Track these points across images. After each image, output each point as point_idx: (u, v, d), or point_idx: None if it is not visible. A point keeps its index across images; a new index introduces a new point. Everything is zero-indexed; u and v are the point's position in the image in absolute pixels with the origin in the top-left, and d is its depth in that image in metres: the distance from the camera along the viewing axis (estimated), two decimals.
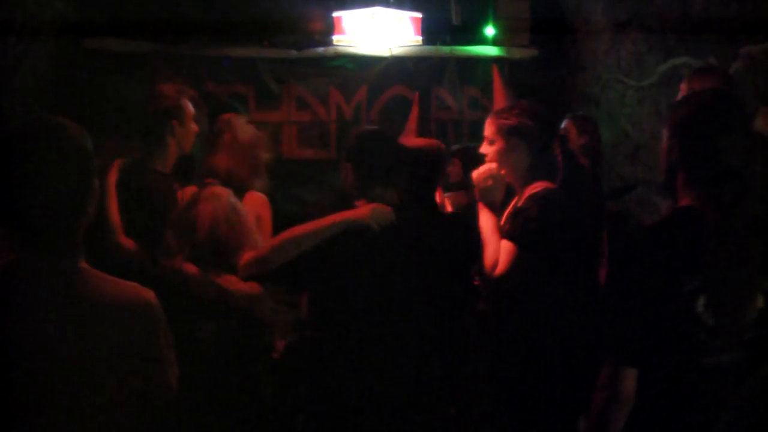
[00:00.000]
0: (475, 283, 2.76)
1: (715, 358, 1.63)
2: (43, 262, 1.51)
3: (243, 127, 3.04)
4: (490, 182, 2.45)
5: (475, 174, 2.48)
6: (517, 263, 2.32)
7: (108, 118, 4.04)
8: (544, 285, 2.38)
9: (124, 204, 2.63)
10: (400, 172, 2.31)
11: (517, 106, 2.51)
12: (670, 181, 1.76)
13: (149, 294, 1.61)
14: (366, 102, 4.84)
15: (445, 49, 4.86)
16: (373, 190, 2.24)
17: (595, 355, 1.88)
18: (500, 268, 2.33)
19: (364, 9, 4.62)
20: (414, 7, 4.79)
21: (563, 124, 3.64)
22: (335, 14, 4.65)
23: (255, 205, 3.01)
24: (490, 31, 4.98)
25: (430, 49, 4.84)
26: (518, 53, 4.93)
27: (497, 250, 2.36)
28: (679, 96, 2.87)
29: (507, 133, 2.45)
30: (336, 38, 4.67)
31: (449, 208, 3.26)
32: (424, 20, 4.77)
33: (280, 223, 3.12)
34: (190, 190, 2.81)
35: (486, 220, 2.45)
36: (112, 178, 2.66)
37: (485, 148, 2.52)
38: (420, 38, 4.78)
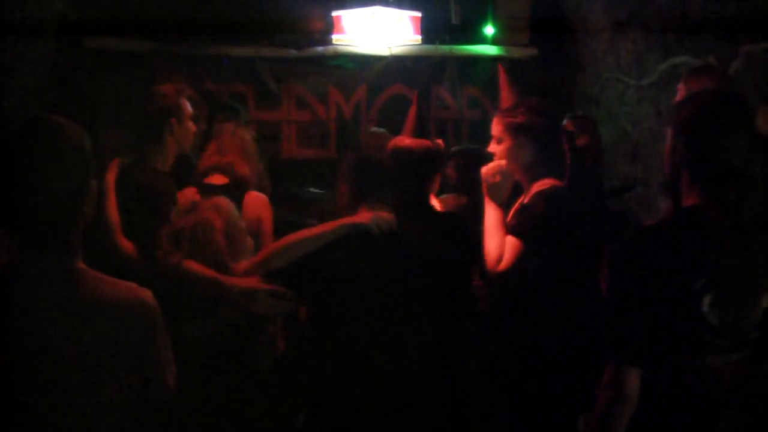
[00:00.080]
0: (476, 283, 2.76)
1: (719, 358, 1.63)
2: (41, 261, 1.51)
3: (233, 133, 3.05)
4: (498, 178, 2.46)
5: (485, 170, 2.49)
6: (521, 259, 2.32)
7: (107, 118, 4.05)
8: (548, 283, 2.38)
9: (123, 203, 2.63)
10: (389, 191, 2.33)
11: (524, 104, 2.52)
12: (673, 180, 1.76)
13: (147, 294, 1.61)
14: (365, 101, 4.84)
15: (445, 49, 4.86)
16: (370, 203, 2.26)
17: (596, 354, 1.88)
18: (504, 264, 2.33)
19: (363, 8, 4.62)
20: (413, 7, 4.78)
21: (563, 124, 3.64)
22: (335, 13, 4.65)
23: (255, 206, 3.01)
24: (489, 30, 4.97)
25: (430, 49, 4.84)
26: (518, 52, 4.92)
27: (501, 245, 2.36)
28: (678, 96, 2.87)
29: (515, 131, 2.46)
30: (335, 37, 4.67)
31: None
32: (423, 19, 4.77)
33: (280, 222, 3.14)
34: (190, 191, 2.81)
35: (492, 216, 2.45)
36: (111, 176, 2.66)
37: (493, 147, 2.53)
38: (419, 37, 4.77)
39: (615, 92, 4.40)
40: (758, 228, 1.65)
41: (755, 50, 3.18)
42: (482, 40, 4.99)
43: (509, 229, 2.39)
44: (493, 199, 2.46)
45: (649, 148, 4.08)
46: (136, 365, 1.58)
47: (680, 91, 2.88)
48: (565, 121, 3.68)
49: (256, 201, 3.04)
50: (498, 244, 2.38)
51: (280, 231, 2.94)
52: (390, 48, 4.75)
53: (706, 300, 1.61)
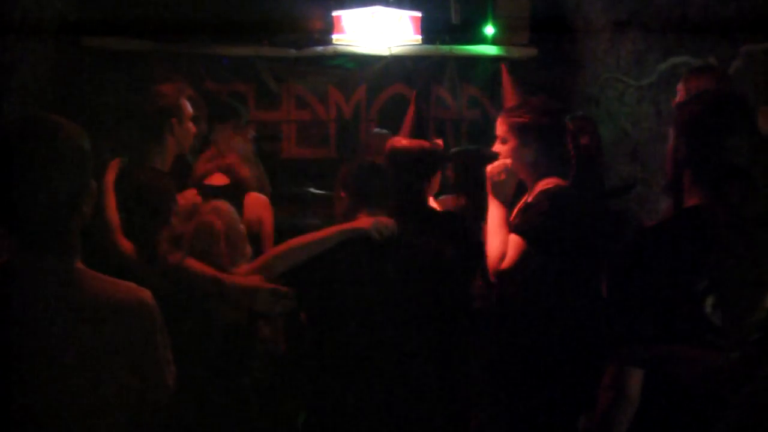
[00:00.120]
0: (478, 284, 2.76)
1: (722, 358, 1.62)
2: (40, 261, 1.51)
3: (228, 139, 3.06)
4: (503, 176, 2.45)
5: (490, 168, 2.49)
6: (524, 258, 2.31)
7: (107, 117, 4.05)
8: (550, 282, 2.38)
9: (123, 203, 2.63)
10: (387, 198, 2.34)
11: (528, 104, 2.51)
12: (675, 180, 1.76)
13: (146, 294, 1.61)
14: (365, 101, 4.84)
15: (445, 48, 4.86)
16: (370, 209, 2.26)
17: (596, 354, 1.88)
18: (507, 262, 2.33)
19: (363, 8, 4.62)
20: (413, 6, 4.79)
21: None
22: (335, 13, 4.65)
23: (256, 207, 3.01)
24: (489, 30, 4.97)
25: (430, 48, 4.84)
26: (518, 52, 4.92)
27: (504, 244, 2.36)
28: (678, 96, 2.86)
29: (519, 131, 2.45)
30: (335, 37, 4.67)
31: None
32: (423, 19, 4.77)
33: (281, 223, 3.14)
34: (191, 193, 2.81)
35: (495, 214, 2.45)
36: (111, 176, 2.66)
37: (498, 147, 2.53)
38: (419, 37, 4.78)
39: (615, 92, 4.41)
40: (760, 228, 1.65)
41: (755, 50, 3.18)
42: (482, 40, 5.00)
43: (513, 227, 2.39)
44: (498, 197, 2.46)
45: (648, 148, 4.08)
46: (136, 365, 1.58)
47: (680, 92, 2.88)
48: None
49: (257, 202, 3.04)
50: (501, 242, 2.37)
51: (280, 232, 2.95)
52: (390, 48, 4.75)
53: (709, 300, 1.61)
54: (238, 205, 2.74)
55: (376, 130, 4.42)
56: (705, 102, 1.76)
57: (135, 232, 2.57)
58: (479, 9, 4.97)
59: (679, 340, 1.65)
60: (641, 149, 4.16)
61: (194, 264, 2.36)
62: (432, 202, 3.04)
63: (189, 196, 2.75)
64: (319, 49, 4.71)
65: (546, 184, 2.43)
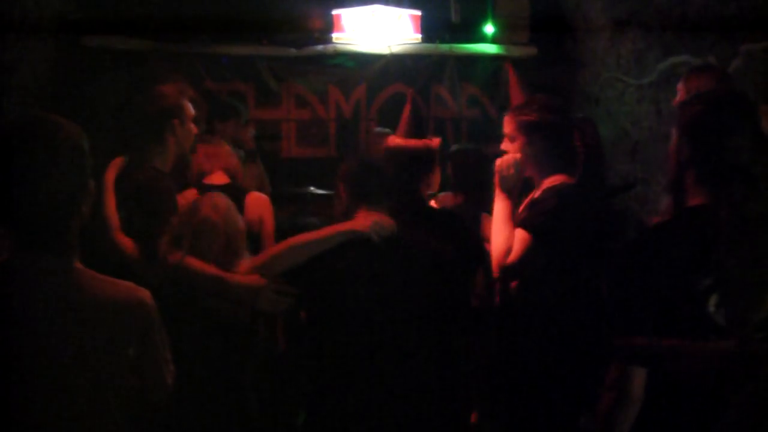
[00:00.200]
0: (479, 281, 2.76)
1: (726, 357, 1.62)
2: (39, 261, 1.51)
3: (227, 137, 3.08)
4: (512, 171, 2.45)
5: (499, 161, 2.49)
6: (529, 253, 2.31)
7: (107, 117, 4.04)
8: (554, 279, 2.38)
9: (123, 202, 2.63)
10: (387, 195, 2.34)
11: (535, 102, 2.51)
12: (678, 179, 1.76)
13: (144, 293, 1.61)
14: (365, 100, 4.84)
15: (445, 47, 4.86)
16: (369, 206, 2.26)
17: (598, 353, 1.88)
18: (513, 257, 2.33)
19: (363, 7, 4.62)
20: (413, 5, 4.79)
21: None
22: (334, 12, 4.65)
23: (257, 206, 3.02)
24: (489, 29, 4.97)
25: (430, 47, 4.84)
26: (518, 51, 4.93)
27: (510, 238, 2.36)
28: (679, 95, 2.86)
29: (527, 129, 2.45)
30: (335, 36, 4.67)
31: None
32: (423, 18, 4.77)
33: (281, 222, 3.14)
34: (191, 193, 2.81)
35: (501, 208, 2.45)
36: (111, 175, 2.65)
37: (506, 146, 2.53)
38: (419, 36, 4.78)
39: (615, 91, 4.40)
40: (763, 227, 1.64)
41: (755, 49, 3.18)
42: (482, 38, 5.00)
43: (519, 222, 2.39)
44: (504, 190, 2.46)
45: (648, 147, 4.08)
46: (134, 365, 1.58)
47: (680, 91, 2.88)
48: None
49: (258, 201, 3.05)
50: (506, 237, 2.37)
51: (281, 231, 2.95)
52: (390, 47, 4.75)
53: (712, 300, 1.60)
54: (239, 204, 2.74)
55: (378, 129, 4.42)
56: (708, 102, 1.76)
57: (135, 231, 2.58)
58: (479, 8, 4.97)
59: (683, 339, 1.64)
60: (641, 148, 4.16)
61: (195, 263, 2.36)
62: (431, 201, 3.04)
63: (189, 196, 2.76)
64: (319, 48, 4.71)
65: (553, 181, 2.43)
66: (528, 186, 2.54)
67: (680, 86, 2.87)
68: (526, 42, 4.94)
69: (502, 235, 2.38)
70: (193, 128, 2.84)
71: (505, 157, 2.49)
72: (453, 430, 2.52)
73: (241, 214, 2.62)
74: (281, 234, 2.79)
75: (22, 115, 1.94)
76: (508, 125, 2.52)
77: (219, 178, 3.05)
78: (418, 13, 4.76)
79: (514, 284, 2.45)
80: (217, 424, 2.34)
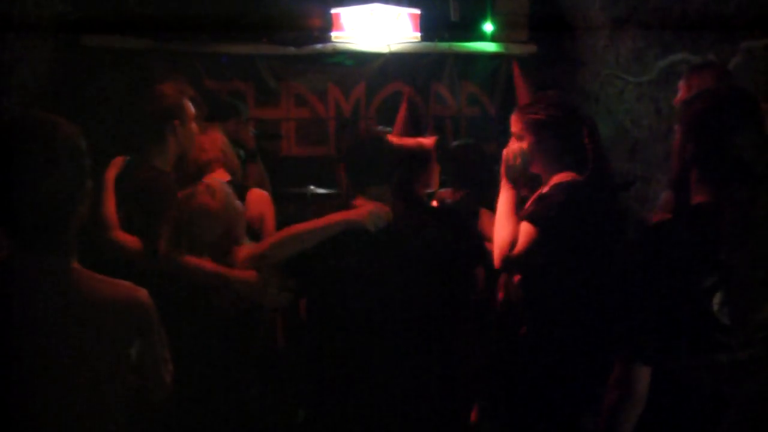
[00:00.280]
0: (480, 276, 2.76)
1: (729, 356, 1.62)
2: (36, 261, 1.50)
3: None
4: (518, 160, 2.45)
5: (506, 151, 2.49)
6: (534, 247, 2.31)
7: (106, 116, 4.04)
8: (557, 275, 2.37)
9: (123, 201, 2.63)
10: (391, 170, 2.32)
11: (542, 100, 2.51)
12: (681, 177, 1.76)
13: (142, 293, 1.61)
14: (365, 98, 4.84)
15: (444, 46, 4.86)
16: (367, 190, 2.25)
17: (601, 350, 1.88)
18: (516, 249, 2.33)
19: (362, 5, 4.62)
20: (412, 4, 4.79)
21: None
22: (334, 11, 4.65)
23: (258, 203, 3.02)
24: (488, 27, 4.97)
25: (429, 46, 4.84)
26: (517, 49, 4.93)
27: (513, 230, 2.35)
28: (680, 93, 2.86)
29: (535, 127, 2.45)
30: (334, 35, 4.68)
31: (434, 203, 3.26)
32: (422, 17, 4.78)
33: (280, 220, 3.14)
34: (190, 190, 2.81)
35: (506, 198, 2.45)
36: (111, 174, 2.66)
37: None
38: (418, 35, 4.78)
39: (614, 89, 4.40)
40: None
41: (755, 46, 3.18)
42: (481, 37, 5.00)
43: (526, 215, 2.38)
44: (510, 179, 2.46)
45: (648, 146, 4.08)
46: (133, 364, 1.58)
47: (682, 89, 2.88)
48: None
49: (259, 198, 3.05)
50: (510, 229, 2.37)
51: (280, 227, 2.95)
52: (389, 45, 4.75)
53: (716, 298, 1.60)
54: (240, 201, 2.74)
55: (379, 128, 4.41)
56: (712, 99, 1.75)
57: (135, 230, 2.58)
58: (478, 6, 4.97)
59: (686, 337, 1.64)
60: (641, 146, 4.16)
61: (195, 260, 2.36)
62: (433, 201, 3.04)
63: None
64: (319, 46, 4.71)
65: (561, 178, 2.43)
66: (537, 183, 2.54)
67: (682, 84, 2.86)
68: (525, 40, 4.93)
69: (506, 227, 2.38)
70: (194, 128, 2.84)
71: (511, 147, 2.48)
72: (452, 428, 2.52)
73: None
74: None
75: (20, 115, 1.94)
76: (515, 124, 2.52)
77: (220, 176, 3.05)
78: (417, 11, 4.76)
79: (516, 279, 2.45)
80: (218, 421, 2.34)
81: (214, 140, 3.04)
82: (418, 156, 2.80)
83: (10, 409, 1.46)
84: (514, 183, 2.45)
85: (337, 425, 2.19)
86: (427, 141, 2.97)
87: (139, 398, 1.62)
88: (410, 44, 4.79)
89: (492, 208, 2.65)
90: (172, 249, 2.38)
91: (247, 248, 2.36)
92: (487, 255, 2.68)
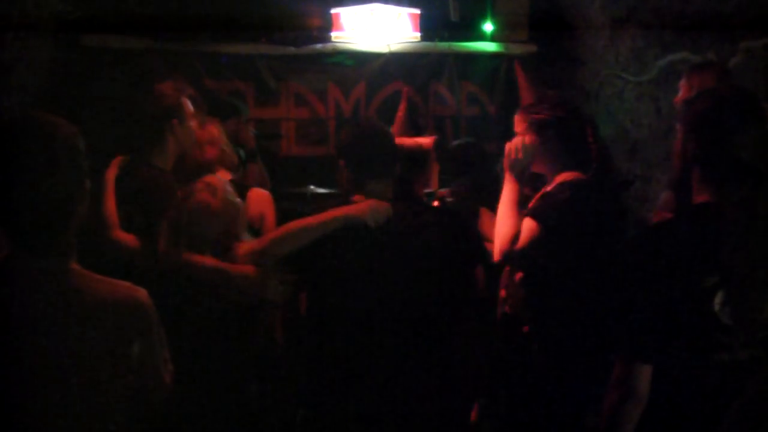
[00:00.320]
0: (479, 274, 2.76)
1: (730, 356, 1.62)
2: (35, 262, 1.50)
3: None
4: (520, 154, 2.45)
5: (509, 145, 2.49)
6: (535, 243, 2.30)
7: (106, 116, 4.04)
8: (560, 275, 2.37)
9: (124, 200, 2.63)
10: (393, 164, 2.31)
11: (546, 100, 2.51)
12: (684, 177, 1.76)
13: (141, 293, 1.61)
14: (365, 98, 4.84)
15: (444, 45, 4.86)
16: (368, 185, 2.24)
17: (602, 349, 1.87)
18: (518, 244, 2.33)
19: (362, 5, 4.62)
20: (412, 4, 4.79)
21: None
22: (333, 11, 4.65)
23: (258, 202, 3.02)
24: (488, 27, 4.97)
25: (429, 46, 4.84)
26: (517, 49, 4.93)
27: (515, 225, 2.35)
28: (681, 92, 2.86)
29: (539, 128, 2.45)
30: (334, 35, 4.68)
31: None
32: (422, 16, 4.78)
33: (281, 220, 3.14)
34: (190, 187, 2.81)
35: (508, 192, 2.44)
36: (111, 174, 2.66)
37: None
38: (418, 34, 4.78)
39: (614, 89, 4.41)
40: None
41: (754, 46, 3.18)
42: (481, 36, 5.00)
43: (529, 212, 2.38)
44: (513, 173, 2.45)
45: (648, 145, 4.08)
46: (131, 364, 1.58)
47: (683, 88, 2.88)
48: None
49: (260, 197, 3.05)
50: (512, 224, 2.37)
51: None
52: (389, 45, 4.75)
53: (718, 298, 1.60)
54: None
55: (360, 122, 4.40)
56: (713, 99, 1.75)
57: (135, 230, 2.58)
58: (478, 6, 4.97)
59: (687, 337, 1.65)
60: (640, 146, 4.16)
61: (195, 257, 2.37)
62: (434, 202, 3.04)
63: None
64: (318, 46, 4.71)
65: (565, 177, 2.43)
66: (540, 182, 2.54)
67: (682, 83, 2.87)
68: (525, 40, 4.94)
69: (507, 222, 2.38)
70: (194, 126, 2.84)
71: (514, 140, 2.48)
72: (452, 427, 2.52)
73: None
74: None
75: (19, 116, 1.94)
76: (519, 124, 2.52)
77: (221, 175, 3.04)
78: (417, 11, 4.76)
79: (518, 276, 2.45)
80: (217, 420, 2.34)
81: (215, 138, 3.04)
82: (416, 156, 2.80)
83: (10, 410, 1.46)
84: (518, 177, 2.45)
85: (336, 424, 2.19)
86: (426, 141, 2.96)
87: (138, 398, 1.62)
88: (410, 44, 4.79)
89: (492, 207, 2.65)
90: (172, 247, 2.38)
91: (247, 244, 2.37)
92: (486, 255, 2.68)
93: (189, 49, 4.49)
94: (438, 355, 2.29)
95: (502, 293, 2.58)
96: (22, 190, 1.48)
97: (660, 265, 1.66)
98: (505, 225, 2.38)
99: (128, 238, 2.55)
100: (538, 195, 2.50)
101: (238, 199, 2.55)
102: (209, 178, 2.54)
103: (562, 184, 2.41)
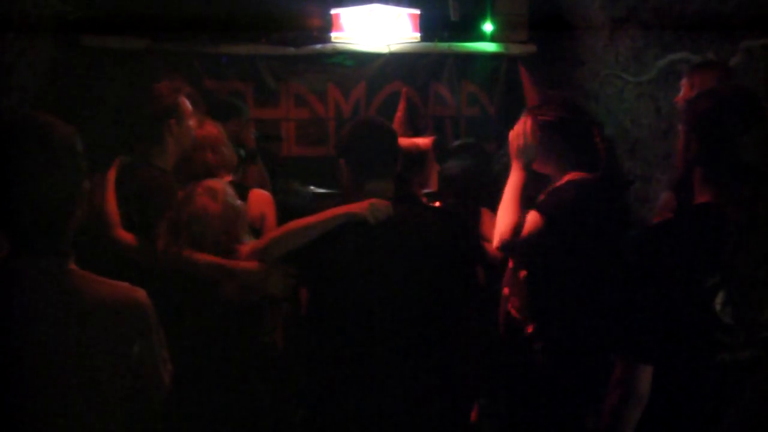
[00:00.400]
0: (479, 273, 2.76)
1: (731, 356, 1.62)
2: (33, 263, 1.50)
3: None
4: (522, 139, 2.46)
5: (512, 133, 2.49)
6: (537, 236, 2.30)
7: (106, 116, 4.04)
8: (563, 273, 2.37)
9: (124, 200, 2.63)
10: (395, 163, 2.30)
11: (552, 101, 2.52)
12: (686, 177, 1.76)
13: (140, 293, 1.61)
14: (365, 99, 4.84)
15: (444, 46, 4.86)
16: (369, 185, 2.24)
17: (603, 348, 1.87)
18: (521, 236, 2.33)
19: (362, 6, 4.62)
20: (412, 4, 4.79)
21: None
22: (333, 11, 4.65)
23: (259, 203, 3.02)
24: (488, 27, 4.97)
25: (429, 46, 4.84)
26: (516, 49, 4.93)
27: (516, 215, 2.36)
28: (683, 91, 2.86)
29: (546, 129, 2.46)
30: (334, 35, 4.67)
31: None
32: (422, 17, 4.77)
33: (281, 220, 3.14)
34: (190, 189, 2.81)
35: (514, 180, 2.45)
36: (113, 174, 2.66)
37: None
38: (418, 35, 4.78)
39: (614, 89, 4.41)
40: None
41: (754, 46, 3.18)
42: (481, 37, 4.99)
43: (536, 205, 2.39)
44: (520, 160, 2.46)
45: (648, 145, 4.08)
46: (130, 365, 1.58)
47: (684, 87, 2.88)
48: None
49: (260, 198, 3.05)
50: (514, 214, 2.37)
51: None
52: (389, 45, 4.75)
53: (719, 298, 1.60)
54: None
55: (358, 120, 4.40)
56: (716, 99, 1.75)
57: (136, 229, 2.58)
58: (478, 6, 4.96)
59: (688, 337, 1.64)
60: (640, 146, 4.16)
61: (196, 254, 2.37)
62: (436, 202, 3.03)
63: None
64: (318, 47, 4.71)
65: (573, 176, 2.43)
66: (545, 184, 2.54)
67: (684, 82, 2.87)
68: (525, 40, 4.93)
69: (510, 213, 2.38)
70: (194, 125, 2.84)
71: (516, 127, 2.49)
72: (452, 427, 2.52)
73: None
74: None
75: (15, 116, 1.93)
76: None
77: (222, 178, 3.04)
78: (417, 11, 4.76)
79: (522, 274, 2.45)
80: (217, 419, 2.34)
81: (217, 141, 3.03)
82: (414, 157, 2.80)
83: (10, 410, 1.46)
84: (525, 165, 2.45)
85: (336, 424, 2.19)
86: (423, 141, 2.96)
87: (137, 398, 1.62)
88: (410, 44, 4.79)
89: (493, 208, 2.65)
90: (171, 246, 2.39)
91: (249, 245, 2.37)
92: (486, 255, 2.68)
93: (189, 49, 4.49)
94: (438, 354, 2.29)
95: (505, 291, 2.58)
96: (19, 190, 1.48)
97: (661, 265, 1.66)
98: (508, 214, 2.38)
99: (129, 237, 2.55)
100: (546, 191, 2.50)
101: (240, 202, 2.55)
102: (210, 181, 2.54)
103: (570, 182, 2.41)
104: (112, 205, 2.59)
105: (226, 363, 2.38)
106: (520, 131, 2.46)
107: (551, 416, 2.38)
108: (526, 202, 2.45)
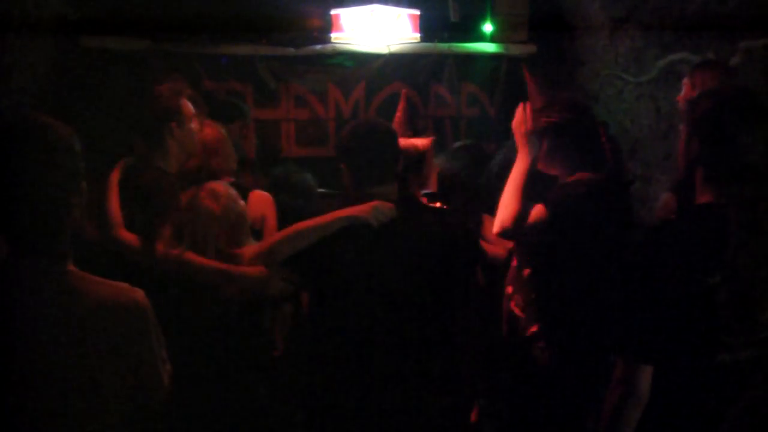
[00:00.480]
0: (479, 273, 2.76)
1: (731, 356, 1.62)
2: (32, 264, 1.50)
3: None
4: (522, 127, 2.46)
5: (514, 122, 2.50)
6: (537, 227, 2.30)
7: (106, 118, 4.04)
8: (566, 272, 2.37)
9: (127, 202, 2.63)
10: (396, 165, 2.30)
11: (557, 102, 2.53)
12: (688, 177, 1.76)
13: (139, 294, 1.61)
14: (364, 99, 4.84)
15: (444, 46, 4.86)
16: (371, 188, 2.23)
17: (603, 348, 1.87)
18: (524, 224, 2.34)
19: (362, 6, 4.62)
20: (412, 4, 4.79)
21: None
22: (333, 12, 4.65)
23: (259, 204, 3.01)
24: (488, 27, 4.97)
25: (429, 46, 4.84)
26: (516, 50, 4.93)
27: (517, 203, 2.36)
28: (684, 91, 2.86)
29: (551, 131, 2.46)
30: (334, 36, 4.68)
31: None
32: (422, 17, 4.77)
33: (281, 220, 3.14)
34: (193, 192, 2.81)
35: (517, 171, 2.45)
36: (115, 176, 2.66)
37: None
38: (418, 35, 4.78)
39: (614, 89, 4.41)
40: None
41: (754, 46, 3.18)
42: (481, 37, 5.00)
43: (543, 199, 2.39)
44: (527, 146, 2.46)
45: (648, 145, 4.08)
46: (129, 365, 1.58)
47: (686, 86, 2.88)
48: None
49: (261, 199, 3.04)
50: (515, 201, 2.37)
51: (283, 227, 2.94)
52: (389, 46, 4.75)
53: (720, 298, 1.60)
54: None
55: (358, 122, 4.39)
56: (717, 99, 1.75)
57: (138, 230, 2.59)
58: (478, 6, 4.96)
59: (689, 337, 1.64)
60: (640, 146, 4.16)
61: (197, 258, 2.37)
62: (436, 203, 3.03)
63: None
64: (318, 47, 4.71)
65: (581, 176, 2.44)
66: (548, 186, 2.55)
67: (686, 81, 2.87)
68: (525, 40, 4.94)
69: (512, 202, 2.39)
70: (195, 127, 2.83)
71: (516, 115, 2.50)
72: (452, 428, 2.52)
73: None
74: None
75: (13, 117, 1.94)
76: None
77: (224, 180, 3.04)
78: (417, 12, 4.76)
79: (526, 272, 2.45)
80: (217, 419, 2.34)
81: (220, 145, 3.03)
82: (413, 157, 2.80)
83: (9, 411, 1.46)
84: (531, 150, 2.45)
85: (336, 424, 2.19)
86: (422, 142, 2.96)
87: (136, 399, 1.62)
88: (410, 45, 4.79)
89: (493, 208, 2.65)
90: (172, 247, 2.39)
91: (252, 248, 2.37)
92: (486, 256, 2.68)
93: (189, 50, 4.49)
94: (438, 355, 2.29)
95: (508, 289, 2.58)
96: (18, 191, 1.48)
97: (662, 265, 1.66)
98: (511, 202, 2.39)
99: (131, 238, 2.56)
100: (555, 187, 2.51)
101: (242, 203, 2.55)
102: (213, 184, 2.55)
103: (578, 181, 2.41)
104: (114, 205, 2.59)
105: (226, 363, 2.39)
106: (521, 118, 2.47)
107: (552, 416, 2.38)
108: (530, 194, 2.45)
